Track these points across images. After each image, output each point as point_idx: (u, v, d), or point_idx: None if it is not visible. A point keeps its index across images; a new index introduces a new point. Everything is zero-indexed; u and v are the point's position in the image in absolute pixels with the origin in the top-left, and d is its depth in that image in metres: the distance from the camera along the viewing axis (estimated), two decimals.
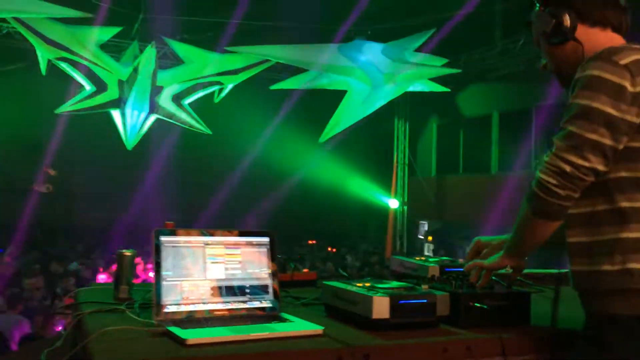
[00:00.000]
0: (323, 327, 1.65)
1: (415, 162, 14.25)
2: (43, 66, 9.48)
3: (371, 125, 12.40)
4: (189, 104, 10.65)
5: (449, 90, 10.61)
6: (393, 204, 14.16)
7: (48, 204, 15.09)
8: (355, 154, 13.67)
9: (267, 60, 10.21)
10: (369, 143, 14.14)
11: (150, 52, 9.70)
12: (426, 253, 13.31)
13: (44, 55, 9.29)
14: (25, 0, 8.16)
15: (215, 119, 11.41)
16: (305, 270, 2.59)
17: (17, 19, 8.56)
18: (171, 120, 10.68)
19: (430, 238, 13.92)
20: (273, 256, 1.95)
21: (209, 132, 10.98)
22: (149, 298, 2.07)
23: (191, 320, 1.69)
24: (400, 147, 13.93)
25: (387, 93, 9.79)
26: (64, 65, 9.54)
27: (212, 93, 10.99)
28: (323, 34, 9.98)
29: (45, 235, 14.28)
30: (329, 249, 12.54)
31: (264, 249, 1.95)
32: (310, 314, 1.91)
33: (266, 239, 1.96)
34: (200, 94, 10.61)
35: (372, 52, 9.49)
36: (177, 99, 10.53)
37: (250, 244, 1.93)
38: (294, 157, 13.58)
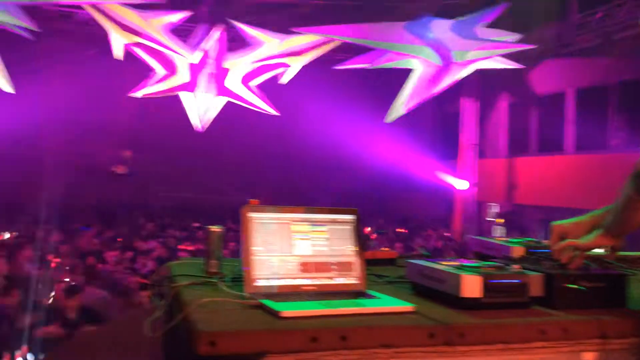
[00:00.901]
0: (414, 305, 1.65)
1: (485, 142, 13.87)
2: (118, 51, 9.85)
3: (438, 104, 12.16)
4: (256, 86, 10.80)
5: (522, 66, 10.21)
6: (461, 185, 13.89)
7: (125, 184, 15.83)
8: (422, 134, 13.47)
9: (332, 40, 10.17)
10: (436, 123, 13.88)
11: (219, 35, 9.88)
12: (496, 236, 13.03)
13: (118, 40, 9.64)
14: None
15: (281, 100, 11.52)
16: (384, 248, 2.59)
17: (93, 6, 8.92)
18: (239, 102, 10.88)
19: (500, 221, 13.60)
20: (358, 234, 1.96)
21: (275, 113, 11.11)
22: (238, 272, 2.14)
23: (281, 294, 1.73)
24: (468, 127, 13.58)
25: (457, 71, 9.54)
26: (137, 50, 9.87)
27: (278, 74, 11.08)
28: (389, 11, 9.83)
29: (123, 214, 14.97)
30: (398, 229, 12.48)
31: (349, 227, 1.96)
32: (396, 291, 1.91)
33: (352, 217, 1.97)
34: (267, 75, 10.73)
35: (440, 29, 9.25)
36: (244, 80, 10.70)
37: (335, 221, 1.94)
38: (359, 138, 13.54)
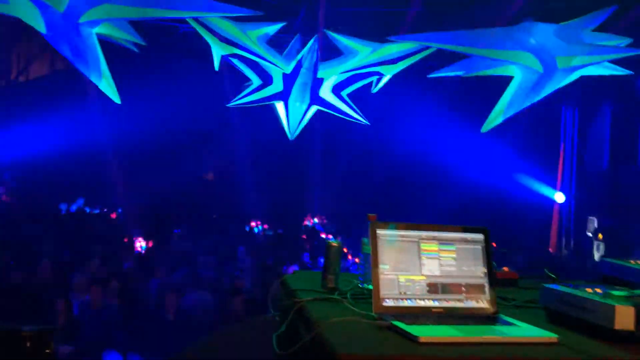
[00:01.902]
0: (557, 335, 1.52)
1: (585, 152, 13.08)
2: (217, 62, 10.19)
3: (535, 112, 11.60)
4: (347, 95, 10.80)
5: (631, 72, 9.53)
6: (559, 197, 13.18)
7: (215, 191, 16.40)
8: (517, 144, 12.92)
9: (427, 48, 9.97)
10: (532, 131, 13.28)
11: (313, 45, 9.98)
12: (595, 252, 12.24)
13: (217, 52, 9.98)
14: (203, 1, 8.81)
15: (371, 109, 11.46)
16: (505, 268, 2.45)
17: (196, 19, 9.29)
18: (330, 111, 10.93)
19: (600, 236, 12.76)
20: (488, 254, 1.86)
21: (366, 122, 11.06)
22: (356, 288, 2.09)
23: (409, 315, 1.67)
24: (568, 136, 12.87)
25: (560, 78, 9.05)
26: (234, 61, 10.17)
27: (370, 83, 11.03)
28: (486, 17, 9.51)
29: (213, 220, 15.49)
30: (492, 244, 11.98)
31: (479, 246, 1.86)
32: (528, 317, 1.79)
33: (480, 236, 1.87)
34: (359, 84, 10.70)
35: (543, 34, 8.82)
36: (336, 89, 10.73)
37: (464, 240, 1.86)
38: (452, 148, 13.20)
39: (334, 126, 12.16)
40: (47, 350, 2.60)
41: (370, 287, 2.08)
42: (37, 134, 12.33)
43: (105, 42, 8.91)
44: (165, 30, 11.09)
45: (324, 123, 11.71)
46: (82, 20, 8.08)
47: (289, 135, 11.14)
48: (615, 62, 9.61)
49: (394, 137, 13.47)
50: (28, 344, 2.57)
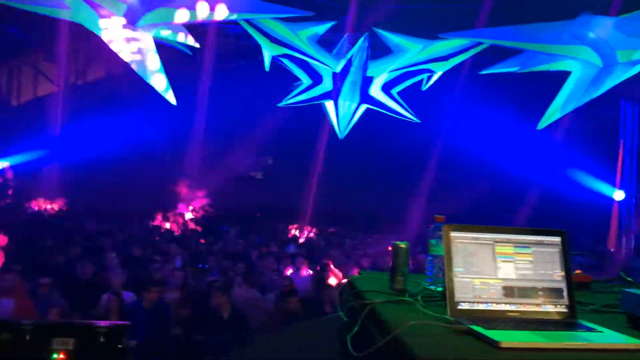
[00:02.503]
0: None
1: None
2: (267, 63, 10.32)
3: (592, 107, 11.22)
4: (398, 93, 10.74)
5: None
6: (618, 196, 12.71)
7: (262, 189, 16.56)
8: (575, 140, 12.52)
9: (478, 44, 9.81)
10: (590, 128, 12.84)
11: (362, 43, 9.96)
12: None
13: (268, 52, 10.10)
14: (255, 3, 8.93)
15: (422, 106, 11.34)
16: (577, 271, 2.38)
17: (247, 21, 9.43)
18: (381, 110, 10.89)
19: None
20: (566, 257, 1.81)
21: (417, 120, 10.96)
22: (425, 290, 2.08)
23: (485, 319, 1.64)
24: (628, 132, 12.39)
25: (620, 72, 8.71)
26: (285, 61, 10.27)
27: (420, 80, 10.93)
28: (541, 11, 9.25)
29: (261, 219, 15.65)
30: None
31: (556, 249, 1.82)
32: (609, 323, 1.73)
33: (558, 239, 1.83)
34: (410, 82, 10.62)
35: (602, 28, 8.51)
36: (386, 87, 10.68)
37: (540, 243, 1.81)
38: (508, 146, 12.93)
39: (385, 125, 12.06)
40: (120, 345, 2.72)
41: (440, 289, 2.07)
42: (97, 135, 12.77)
43: (161, 45, 9.17)
44: (218, 32, 11.28)
45: (376, 122, 11.62)
46: (140, 24, 8.33)
47: (338, 134, 11.17)
48: None
49: (445, 135, 13.27)
50: (102, 339, 2.69)
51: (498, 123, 12.60)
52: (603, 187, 13.10)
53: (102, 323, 2.83)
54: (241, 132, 14.67)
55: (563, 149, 12.50)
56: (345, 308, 2.11)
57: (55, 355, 2.85)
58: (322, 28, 10.40)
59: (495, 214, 10.92)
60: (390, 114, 10.79)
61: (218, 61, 12.35)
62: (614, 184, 12.87)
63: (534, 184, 12.84)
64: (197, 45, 9.49)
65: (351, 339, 1.76)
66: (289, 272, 8.65)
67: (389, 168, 14.35)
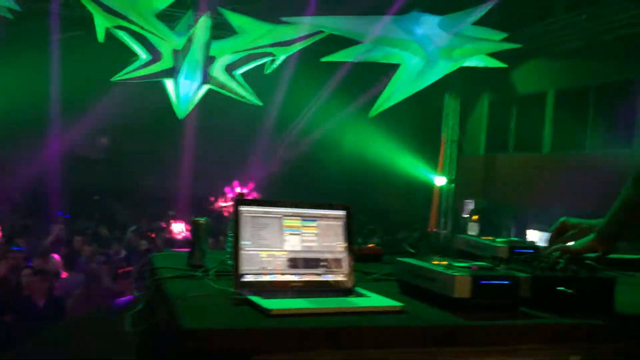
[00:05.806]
0: (402, 304, 1.63)
1: (464, 139, 13.95)
2: (100, 34, 9.64)
3: (420, 100, 12.19)
4: (241, 75, 10.68)
5: (506, 65, 10.27)
6: (440, 181, 13.97)
7: (101, 171, 15.56)
8: (403, 129, 13.50)
9: (320, 32, 10.09)
10: (417, 118, 13.93)
11: (205, 21, 9.71)
12: (470, 232, 13.14)
13: (101, 23, 9.43)
14: None
15: (265, 90, 11.41)
16: (370, 245, 2.57)
17: None
18: (222, 91, 10.75)
19: (475, 217, 13.71)
20: (349, 230, 1.93)
21: (259, 103, 11.01)
22: (222, 266, 2.10)
23: (269, 290, 1.70)
24: (450, 123, 13.65)
25: (442, 68, 9.55)
26: (120, 34, 9.67)
27: (263, 64, 10.98)
28: (378, 5, 9.77)
29: (97, 201, 14.74)
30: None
31: (340, 223, 1.93)
32: (383, 289, 1.89)
33: (343, 213, 1.94)
34: (252, 64, 10.62)
35: (428, 25, 9.23)
36: (229, 69, 10.57)
37: (326, 216, 1.91)
38: (342, 131, 13.52)
39: (225, 105, 11.93)
40: None
41: (231, 262, 2.10)
42: None
43: None
44: None
45: (216, 102, 11.45)
46: None
47: (178, 114, 10.83)
48: (494, 55, 10.32)
49: (285, 117, 13.51)
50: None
51: (338, 109, 13.15)
52: (428, 173, 14.34)
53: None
54: (76, 109, 13.55)
55: (394, 137, 13.42)
56: (139, 286, 2.06)
57: None
58: (163, 2, 9.94)
59: (332, 194, 11.40)
60: (232, 95, 10.71)
61: (48, 30, 11.23)
62: (437, 170, 14.13)
63: (370, 168, 13.61)
64: (17, 8, 8.55)
65: (134, 315, 1.71)
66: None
67: (230, 150, 14.24)
